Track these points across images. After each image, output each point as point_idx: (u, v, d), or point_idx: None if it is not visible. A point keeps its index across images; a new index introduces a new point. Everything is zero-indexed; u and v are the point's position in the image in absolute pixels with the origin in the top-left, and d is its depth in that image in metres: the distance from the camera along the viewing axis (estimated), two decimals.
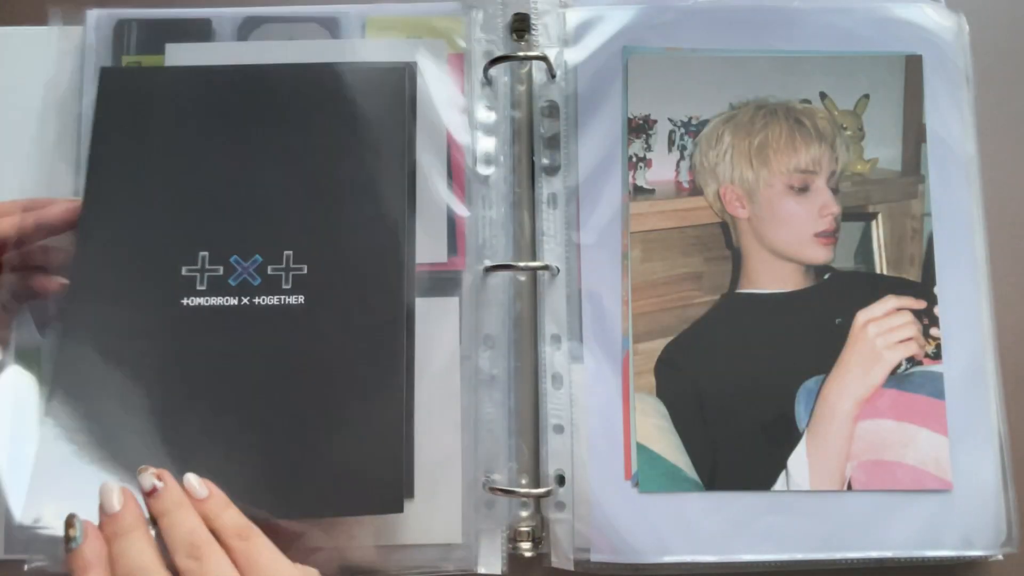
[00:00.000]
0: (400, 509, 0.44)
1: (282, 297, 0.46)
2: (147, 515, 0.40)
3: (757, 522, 0.46)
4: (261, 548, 0.39)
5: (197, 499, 0.41)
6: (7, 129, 0.51)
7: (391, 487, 0.44)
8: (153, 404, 0.45)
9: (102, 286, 0.46)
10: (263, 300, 0.46)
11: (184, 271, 0.47)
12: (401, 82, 0.50)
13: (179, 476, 0.41)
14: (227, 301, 0.46)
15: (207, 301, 0.46)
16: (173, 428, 0.44)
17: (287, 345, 0.46)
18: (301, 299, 0.47)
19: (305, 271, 0.47)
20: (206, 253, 0.47)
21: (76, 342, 0.45)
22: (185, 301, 0.46)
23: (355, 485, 0.44)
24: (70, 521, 0.39)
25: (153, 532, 0.39)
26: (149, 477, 0.41)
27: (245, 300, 0.46)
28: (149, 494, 0.40)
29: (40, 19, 0.52)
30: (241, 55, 0.51)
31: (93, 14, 0.51)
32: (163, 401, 0.45)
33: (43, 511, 0.43)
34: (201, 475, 0.42)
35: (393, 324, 0.46)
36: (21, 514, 0.43)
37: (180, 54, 0.51)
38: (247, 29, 0.52)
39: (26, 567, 0.46)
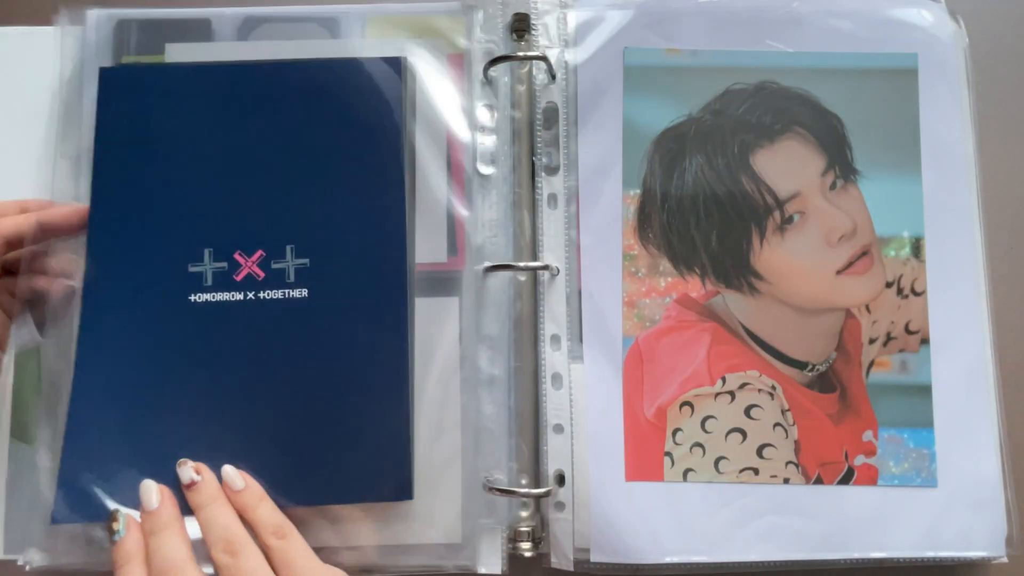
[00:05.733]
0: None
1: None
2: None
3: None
4: (297, 548, 0.41)
5: (233, 491, 0.42)
6: (8, 129, 0.51)
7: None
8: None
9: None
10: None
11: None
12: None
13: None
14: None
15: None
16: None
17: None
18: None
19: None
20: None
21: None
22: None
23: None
24: (114, 515, 0.41)
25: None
26: (188, 470, 0.42)
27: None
28: (188, 487, 0.42)
29: (40, 19, 0.52)
30: (241, 55, 0.51)
31: (93, 14, 0.51)
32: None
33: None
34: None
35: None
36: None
37: (180, 54, 0.51)
38: (247, 29, 0.52)
39: (27, 567, 0.46)
